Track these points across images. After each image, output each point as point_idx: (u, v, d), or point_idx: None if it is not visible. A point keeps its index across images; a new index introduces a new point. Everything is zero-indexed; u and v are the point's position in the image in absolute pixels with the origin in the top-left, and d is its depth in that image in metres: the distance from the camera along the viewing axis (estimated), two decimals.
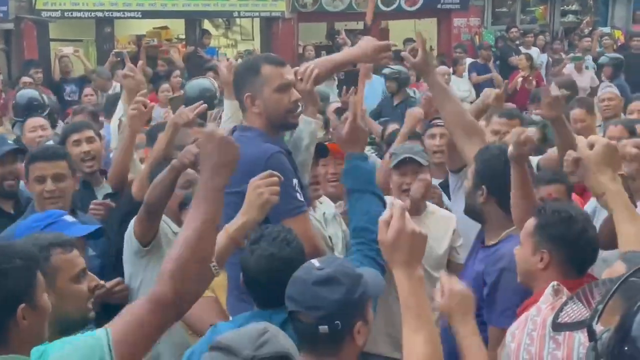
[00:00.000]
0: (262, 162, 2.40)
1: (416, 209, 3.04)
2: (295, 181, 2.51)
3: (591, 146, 2.19)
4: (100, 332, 1.60)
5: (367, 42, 2.97)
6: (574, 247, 2.22)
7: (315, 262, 1.81)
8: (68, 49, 9.81)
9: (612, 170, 2.17)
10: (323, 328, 1.66)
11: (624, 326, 1.02)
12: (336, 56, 3.26)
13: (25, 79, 7.86)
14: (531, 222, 2.31)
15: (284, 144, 2.68)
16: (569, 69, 10.18)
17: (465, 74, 10.31)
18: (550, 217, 2.26)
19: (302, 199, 2.51)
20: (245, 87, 2.61)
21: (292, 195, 2.46)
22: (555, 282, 1.79)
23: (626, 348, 0.99)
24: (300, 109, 2.64)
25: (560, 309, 1.31)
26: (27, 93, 6.07)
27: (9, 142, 3.93)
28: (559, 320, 1.29)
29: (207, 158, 1.67)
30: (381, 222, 1.63)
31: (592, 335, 1.09)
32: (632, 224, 2.09)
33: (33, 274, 1.68)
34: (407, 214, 1.59)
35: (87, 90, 7.65)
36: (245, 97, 2.58)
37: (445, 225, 3.11)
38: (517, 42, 12.29)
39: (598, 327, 1.09)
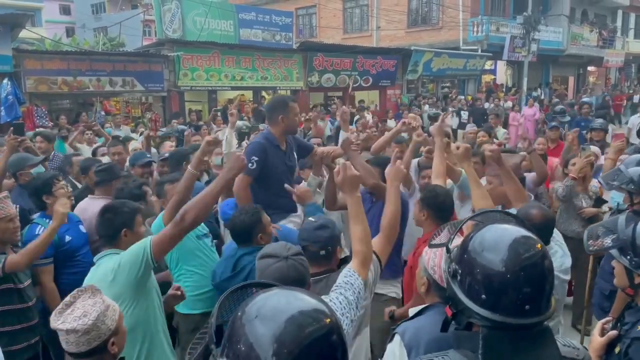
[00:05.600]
0: (252, 144, 3.36)
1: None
2: (255, 158, 3.19)
3: (457, 148, 2.83)
4: (146, 239, 2.21)
5: (344, 141, 3.41)
6: (438, 208, 2.76)
7: (310, 218, 2.18)
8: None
9: (469, 160, 2.77)
10: (322, 252, 2.11)
11: (464, 244, 1.27)
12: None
13: (174, 122, 10.42)
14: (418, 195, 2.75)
15: (276, 141, 3.38)
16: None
17: (392, 119, 12.71)
18: (427, 193, 2.83)
19: (252, 169, 3.14)
20: (278, 112, 3.37)
21: (249, 161, 3.05)
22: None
23: (465, 256, 1.24)
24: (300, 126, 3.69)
25: (433, 237, 1.63)
26: (181, 127, 8.68)
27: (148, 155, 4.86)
28: (433, 242, 1.65)
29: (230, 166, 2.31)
30: (335, 172, 1.98)
31: (447, 250, 1.37)
32: (476, 189, 2.68)
33: (134, 215, 2.38)
34: (349, 164, 1.90)
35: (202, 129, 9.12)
36: (279, 117, 3.34)
37: None
38: (419, 103, 15.79)
39: (452, 246, 1.36)
